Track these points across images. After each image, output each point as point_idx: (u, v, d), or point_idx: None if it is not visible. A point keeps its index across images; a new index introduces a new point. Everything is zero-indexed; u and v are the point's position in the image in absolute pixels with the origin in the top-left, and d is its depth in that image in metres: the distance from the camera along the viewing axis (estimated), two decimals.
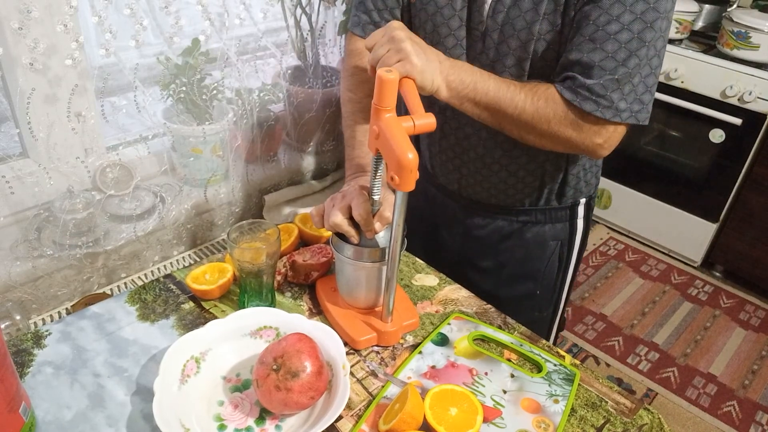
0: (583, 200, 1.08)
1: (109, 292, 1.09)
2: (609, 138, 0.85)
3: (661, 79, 2.37)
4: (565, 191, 1.04)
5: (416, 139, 1.10)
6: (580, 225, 1.09)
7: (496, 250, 1.11)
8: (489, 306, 0.95)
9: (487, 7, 0.87)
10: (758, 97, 2.17)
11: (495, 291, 1.11)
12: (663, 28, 0.81)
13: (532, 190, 1.03)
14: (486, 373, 0.82)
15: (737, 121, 2.23)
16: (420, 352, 0.85)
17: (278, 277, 0.94)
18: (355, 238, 0.82)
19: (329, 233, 0.97)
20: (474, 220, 1.10)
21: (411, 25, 1.00)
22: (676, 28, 2.38)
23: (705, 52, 2.32)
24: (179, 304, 0.91)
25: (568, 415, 0.77)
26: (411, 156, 0.67)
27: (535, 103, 0.83)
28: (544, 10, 0.83)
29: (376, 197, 0.81)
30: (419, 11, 0.95)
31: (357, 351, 0.85)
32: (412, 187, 0.70)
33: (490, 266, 1.13)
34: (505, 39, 0.88)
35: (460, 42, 0.93)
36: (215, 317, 0.88)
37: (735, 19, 2.23)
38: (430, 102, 0.98)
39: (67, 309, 1.04)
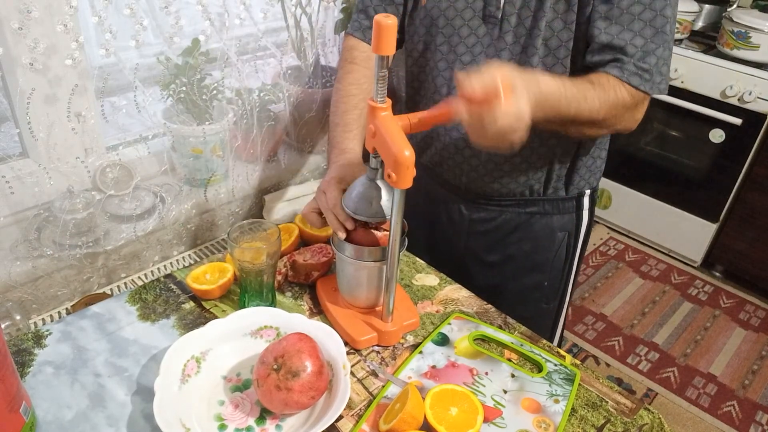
0: (588, 191, 1.09)
1: (109, 292, 1.09)
2: (643, 112, 0.91)
3: None
4: (573, 179, 1.05)
5: (420, 138, 1.10)
6: (585, 217, 1.11)
7: (504, 244, 1.12)
8: (489, 306, 0.95)
9: None
10: (758, 97, 2.17)
11: (502, 284, 1.12)
12: (675, 3, 0.87)
13: (541, 175, 1.04)
14: (486, 373, 0.82)
15: (737, 121, 2.23)
16: (420, 352, 0.85)
17: (279, 277, 0.94)
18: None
19: (329, 232, 0.97)
20: (480, 215, 1.10)
21: (414, 27, 1.03)
22: (676, 28, 2.38)
23: (705, 52, 2.33)
24: (180, 304, 0.91)
25: (569, 415, 0.77)
26: (407, 153, 0.68)
27: (604, 98, 0.86)
28: None
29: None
30: (431, 9, 0.98)
31: (357, 351, 0.85)
32: (409, 184, 0.70)
33: (496, 260, 1.13)
34: (521, 21, 0.91)
35: (474, 31, 0.96)
36: (216, 317, 0.88)
37: (735, 19, 2.23)
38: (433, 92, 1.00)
39: (67, 309, 1.04)
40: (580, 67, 0.91)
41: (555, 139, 0.99)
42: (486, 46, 0.96)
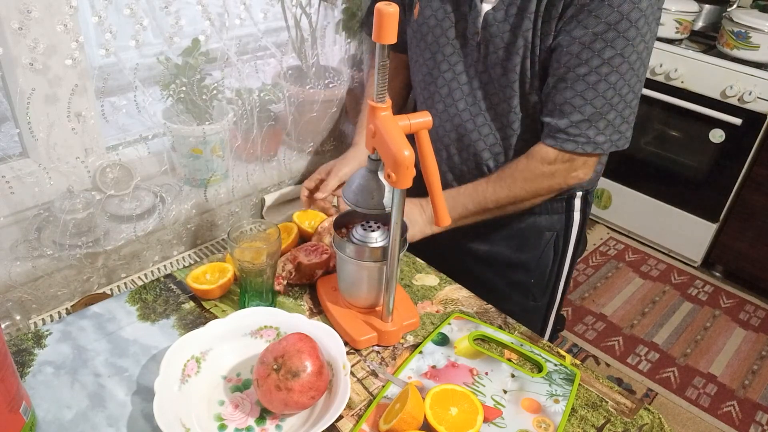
0: (579, 193, 1.10)
1: (109, 292, 1.09)
2: (588, 166, 0.97)
3: (661, 78, 2.37)
4: None
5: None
6: (577, 218, 1.12)
7: (490, 238, 1.14)
8: (489, 306, 0.95)
9: (481, 19, 0.95)
10: (758, 97, 2.17)
11: (491, 279, 1.15)
12: (635, 67, 0.89)
13: None
14: (486, 373, 0.82)
15: (737, 121, 2.23)
16: (420, 352, 0.85)
17: (283, 282, 0.93)
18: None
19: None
20: None
21: (409, 38, 1.09)
22: (676, 28, 2.38)
23: (705, 52, 2.33)
24: (180, 304, 0.91)
25: (569, 415, 0.77)
26: (407, 153, 0.68)
27: (505, 185, 0.97)
28: (524, 28, 0.90)
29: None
30: (421, 25, 1.03)
31: (357, 351, 0.85)
32: (409, 184, 0.70)
33: (485, 253, 1.16)
34: (496, 50, 0.95)
35: (457, 51, 1.01)
36: (216, 317, 0.88)
37: (735, 19, 2.23)
38: (428, 96, 1.06)
39: (67, 309, 1.04)
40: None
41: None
42: (467, 66, 1.01)
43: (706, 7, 2.57)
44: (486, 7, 0.94)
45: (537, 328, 1.21)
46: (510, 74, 0.95)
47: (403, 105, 1.27)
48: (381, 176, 0.77)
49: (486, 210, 1.00)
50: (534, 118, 0.99)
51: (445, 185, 1.09)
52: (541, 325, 1.21)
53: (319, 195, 1.09)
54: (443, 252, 1.09)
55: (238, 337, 0.81)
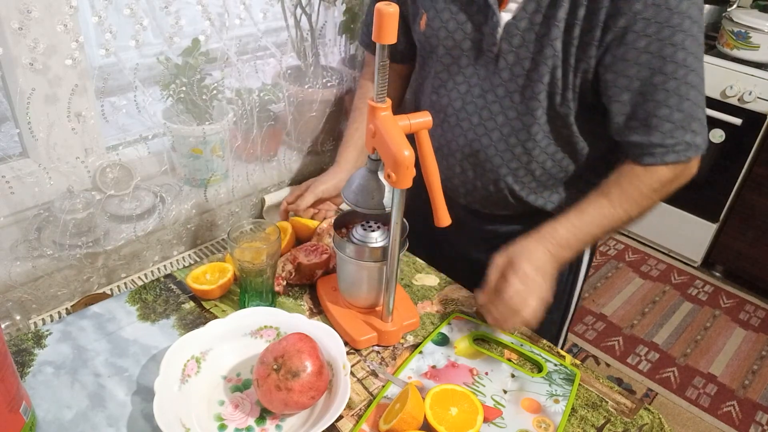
0: None
1: (109, 292, 1.08)
2: (697, 162, 0.90)
3: None
4: (581, 196, 0.99)
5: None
6: None
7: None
8: None
9: (500, 29, 0.88)
10: (758, 97, 2.17)
11: None
12: (701, 57, 0.84)
13: (555, 197, 1.02)
14: (486, 373, 0.82)
15: (737, 121, 2.23)
16: (420, 352, 0.85)
17: (282, 282, 0.93)
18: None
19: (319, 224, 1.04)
20: (482, 227, 1.09)
21: (412, 47, 1.05)
22: None
23: (705, 52, 2.31)
24: (180, 304, 0.91)
25: (569, 415, 0.77)
26: (407, 153, 0.68)
27: (630, 202, 0.88)
28: (552, 37, 0.84)
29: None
30: (429, 37, 0.97)
31: (357, 351, 0.85)
32: (409, 184, 0.70)
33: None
34: (519, 61, 0.89)
35: (472, 63, 0.95)
36: (216, 317, 0.88)
37: (735, 19, 2.23)
38: (442, 114, 1.01)
39: (67, 309, 1.04)
40: (586, 105, 0.90)
41: (571, 165, 0.98)
42: (482, 79, 0.94)
43: (706, 7, 2.57)
44: (506, 17, 0.87)
45: (551, 340, 1.18)
46: (535, 85, 0.89)
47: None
48: (381, 176, 0.77)
49: (615, 231, 0.93)
50: (561, 132, 0.94)
51: (456, 202, 1.06)
52: (555, 336, 1.18)
53: (292, 207, 1.09)
54: (454, 263, 1.06)
55: (238, 337, 0.81)
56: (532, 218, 1.03)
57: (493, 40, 0.90)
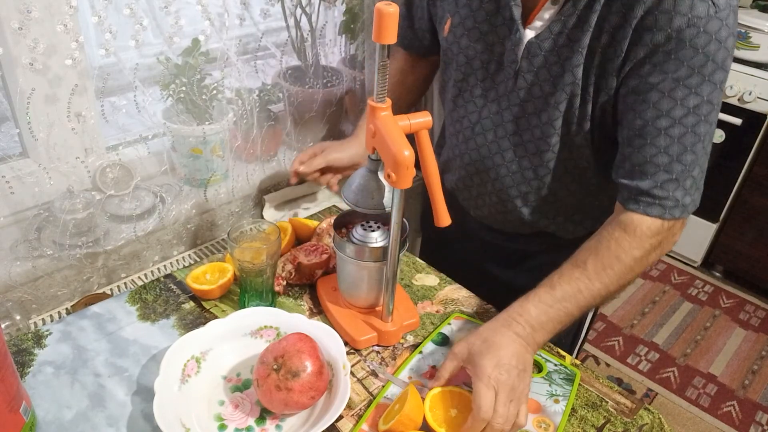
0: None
1: (109, 292, 1.08)
2: (681, 229, 0.82)
3: None
4: (602, 219, 0.90)
5: (441, 162, 1.08)
6: None
7: (516, 269, 1.08)
8: (489, 306, 0.95)
9: (522, 46, 0.84)
10: (758, 97, 2.17)
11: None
12: (718, 109, 0.77)
13: (572, 214, 0.99)
14: None
15: (737, 121, 2.23)
16: (420, 352, 0.85)
17: (282, 282, 0.93)
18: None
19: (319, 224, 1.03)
20: (496, 241, 1.07)
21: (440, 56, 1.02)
22: None
23: None
24: (180, 304, 0.91)
25: (569, 415, 0.77)
26: (407, 153, 0.68)
27: (609, 274, 0.77)
28: (574, 63, 0.80)
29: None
30: (451, 44, 0.94)
31: (357, 351, 0.85)
32: (409, 184, 0.70)
33: (508, 282, 1.05)
34: (538, 82, 0.84)
35: (490, 76, 0.91)
36: (216, 317, 0.88)
37: None
38: (463, 132, 0.99)
39: (67, 309, 1.04)
40: (600, 136, 0.86)
41: (588, 197, 0.96)
42: (500, 95, 0.91)
43: None
44: (529, 34, 0.82)
45: (566, 349, 1.16)
46: (552, 111, 0.84)
47: (414, 102, 1.18)
48: (381, 176, 0.77)
49: (591, 309, 0.84)
50: (576, 162, 0.90)
51: (468, 214, 1.05)
52: (570, 345, 1.16)
53: (302, 168, 1.06)
54: (467, 278, 1.03)
55: (238, 337, 0.81)
56: (548, 239, 1.01)
57: (513, 56, 0.85)
